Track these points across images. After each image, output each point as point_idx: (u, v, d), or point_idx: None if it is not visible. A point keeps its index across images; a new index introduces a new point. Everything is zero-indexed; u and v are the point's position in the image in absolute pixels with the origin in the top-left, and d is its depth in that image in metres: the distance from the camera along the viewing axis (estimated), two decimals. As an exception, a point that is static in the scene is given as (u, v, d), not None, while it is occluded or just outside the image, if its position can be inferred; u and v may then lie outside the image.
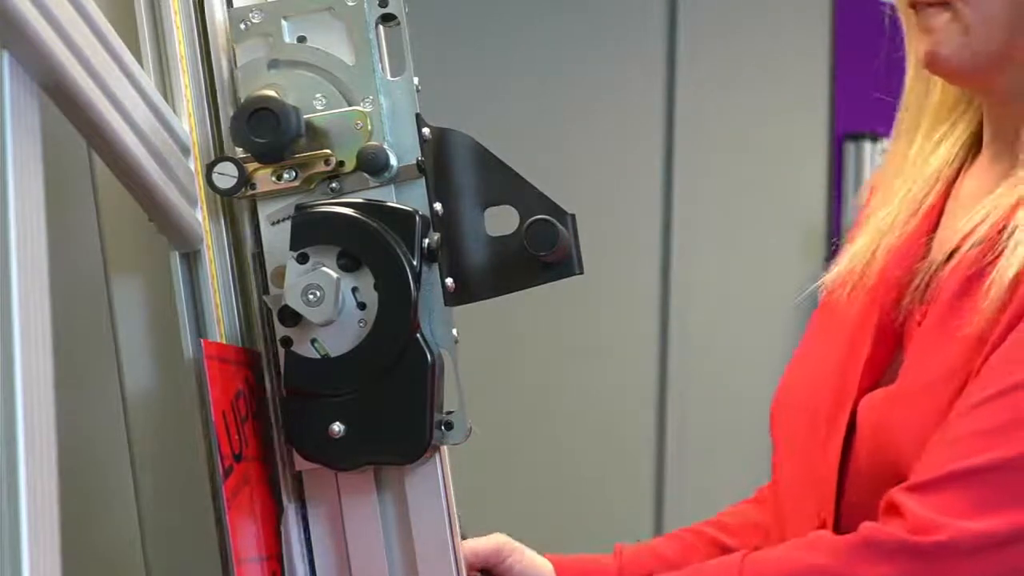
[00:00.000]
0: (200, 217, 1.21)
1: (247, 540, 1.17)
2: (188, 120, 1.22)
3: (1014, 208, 1.17)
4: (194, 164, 1.22)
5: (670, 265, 3.30)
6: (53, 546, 0.85)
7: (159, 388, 1.22)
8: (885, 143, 3.60)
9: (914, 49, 1.28)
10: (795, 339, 1.43)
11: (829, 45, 3.55)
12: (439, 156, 1.23)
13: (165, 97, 1.20)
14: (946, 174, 1.29)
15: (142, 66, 1.17)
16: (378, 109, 1.21)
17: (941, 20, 1.20)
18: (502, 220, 1.24)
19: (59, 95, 0.94)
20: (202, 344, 1.16)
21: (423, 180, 1.22)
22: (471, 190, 1.24)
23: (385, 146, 1.21)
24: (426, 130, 1.23)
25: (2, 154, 0.83)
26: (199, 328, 1.21)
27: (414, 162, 1.22)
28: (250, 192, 1.21)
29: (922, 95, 1.32)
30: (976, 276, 1.16)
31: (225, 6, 1.25)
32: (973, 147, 1.30)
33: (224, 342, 1.21)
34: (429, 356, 1.18)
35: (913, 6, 1.24)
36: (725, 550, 1.36)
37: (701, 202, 3.32)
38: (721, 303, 3.31)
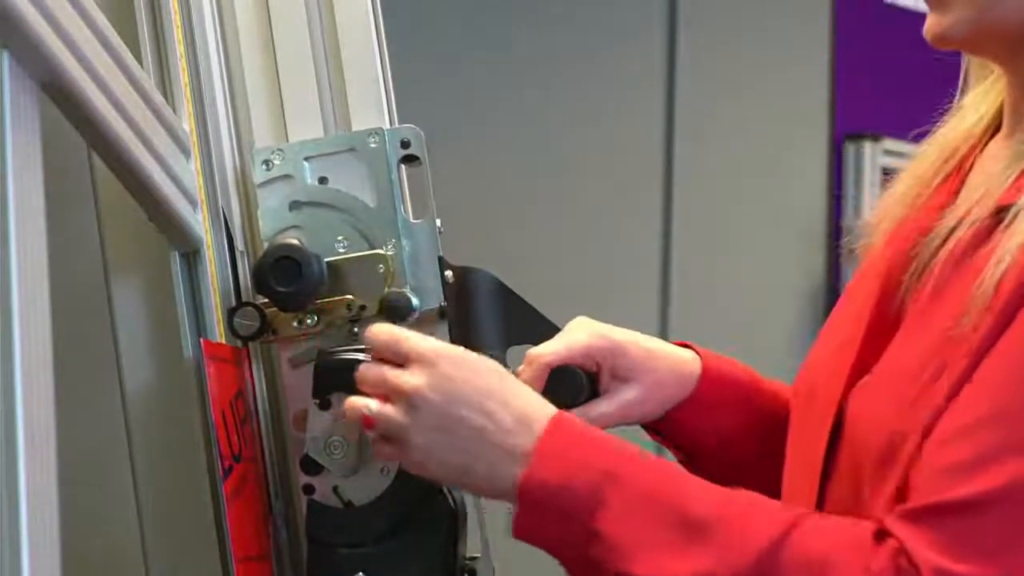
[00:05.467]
0: (200, 217, 1.21)
1: (246, 539, 1.17)
2: (188, 120, 1.22)
3: (1011, 188, 1.13)
4: (194, 164, 1.22)
5: (670, 265, 3.29)
6: (53, 546, 0.85)
7: (159, 388, 1.22)
8: (885, 143, 3.61)
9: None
10: (794, 338, 1.42)
11: (829, 45, 3.55)
12: (461, 295, 1.23)
13: (165, 97, 1.20)
14: (964, 149, 1.25)
15: (142, 66, 1.17)
16: (400, 252, 1.22)
17: None
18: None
19: (59, 95, 0.94)
20: (202, 344, 1.16)
21: (446, 324, 1.22)
22: (494, 330, 1.24)
23: (407, 290, 1.21)
24: (448, 273, 1.23)
25: (2, 154, 0.83)
26: (199, 328, 1.21)
27: (436, 307, 1.22)
28: (272, 338, 1.21)
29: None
30: (965, 264, 1.12)
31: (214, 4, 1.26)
32: (998, 119, 1.24)
33: (224, 342, 1.22)
34: (452, 504, 1.18)
35: None
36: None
37: (701, 202, 3.32)
38: (721, 303, 3.31)
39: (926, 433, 1.07)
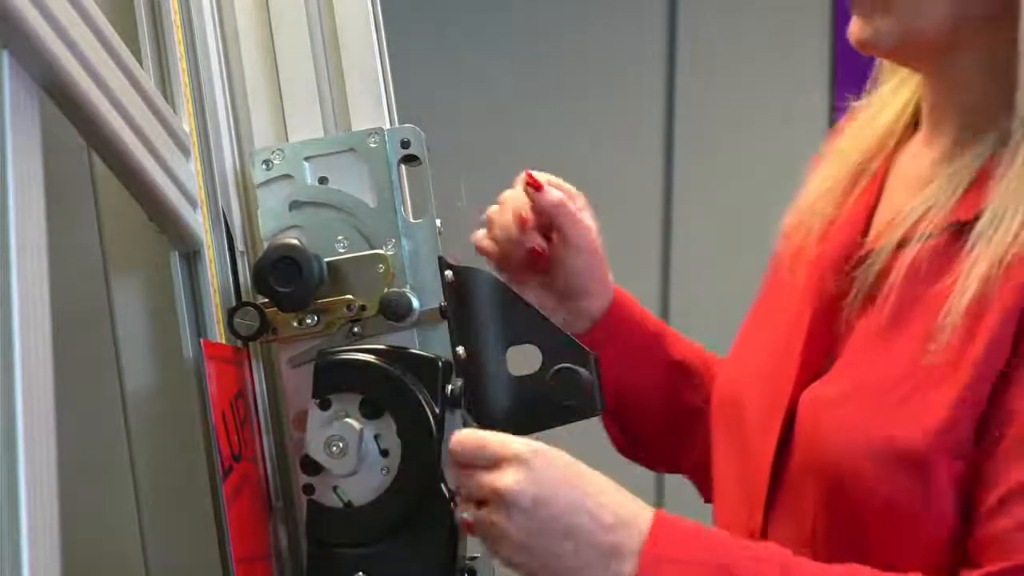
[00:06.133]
0: (200, 218, 1.21)
1: (246, 539, 1.17)
2: (188, 120, 1.22)
3: (963, 203, 1.13)
4: (194, 164, 1.22)
5: (670, 265, 3.30)
6: (53, 546, 0.85)
7: (159, 388, 1.22)
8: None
9: None
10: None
11: (829, 45, 3.55)
12: (462, 295, 1.23)
13: (165, 97, 1.20)
14: (888, 144, 1.26)
15: (142, 66, 1.17)
16: (400, 252, 1.22)
17: (871, 5, 1.17)
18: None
19: (59, 95, 0.94)
20: (202, 344, 1.16)
21: (446, 323, 1.22)
22: (494, 330, 1.24)
23: (407, 290, 1.21)
24: (448, 272, 1.23)
25: (2, 154, 0.83)
26: (199, 328, 1.21)
27: (437, 306, 1.22)
28: (272, 338, 1.22)
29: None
30: (927, 284, 1.12)
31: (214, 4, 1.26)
32: (915, 116, 1.26)
33: (224, 342, 1.22)
34: (452, 504, 1.17)
35: None
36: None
37: (701, 201, 3.32)
38: (721, 302, 3.31)
39: (930, 456, 1.07)
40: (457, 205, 1.30)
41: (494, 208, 1.32)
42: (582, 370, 1.23)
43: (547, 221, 1.32)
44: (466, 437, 1.12)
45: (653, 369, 1.36)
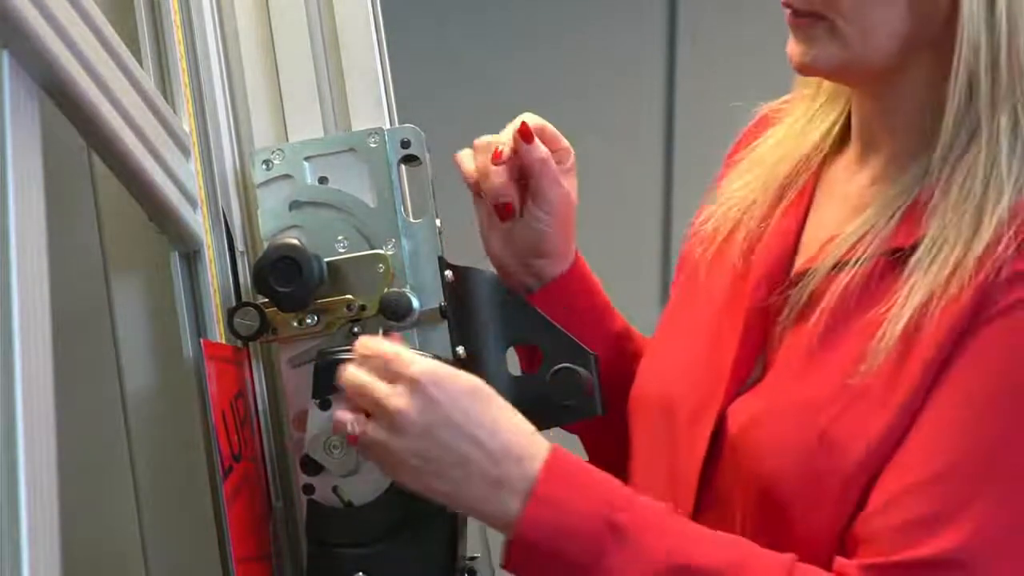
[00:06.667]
0: (200, 218, 1.21)
1: (245, 539, 1.17)
2: (188, 120, 1.22)
3: (900, 230, 1.14)
4: (194, 164, 1.22)
5: (670, 265, 3.30)
6: (53, 546, 0.85)
7: (159, 388, 1.22)
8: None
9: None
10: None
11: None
12: (462, 295, 1.23)
13: (165, 97, 1.20)
14: (815, 160, 1.25)
15: (142, 66, 1.17)
16: (400, 252, 1.22)
17: (815, 30, 1.15)
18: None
19: (59, 95, 0.94)
20: (202, 344, 1.16)
21: (446, 323, 1.22)
22: (494, 329, 1.24)
23: (407, 290, 1.21)
24: (448, 272, 1.23)
25: (2, 154, 0.84)
26: (199, 328, 1.21)
27: (437, 306, 1.22)
28: (272, 338, 1.22)
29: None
30: (861, 308, 1.13)
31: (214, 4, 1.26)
32: (844, 133, 1.25)
33: (224, 342, 1.22)
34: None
35: (787, 4, 1.17)
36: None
37: (701, 199, 3.32)
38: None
39: (863, 475, 1.09)
40: None
41: (485, 137, 1.29)
42: (582, 370, 1.23)
43: (526, 172, 1.29)
44: (377, 348, 1.10)
45: (602, 336, 1.35)
